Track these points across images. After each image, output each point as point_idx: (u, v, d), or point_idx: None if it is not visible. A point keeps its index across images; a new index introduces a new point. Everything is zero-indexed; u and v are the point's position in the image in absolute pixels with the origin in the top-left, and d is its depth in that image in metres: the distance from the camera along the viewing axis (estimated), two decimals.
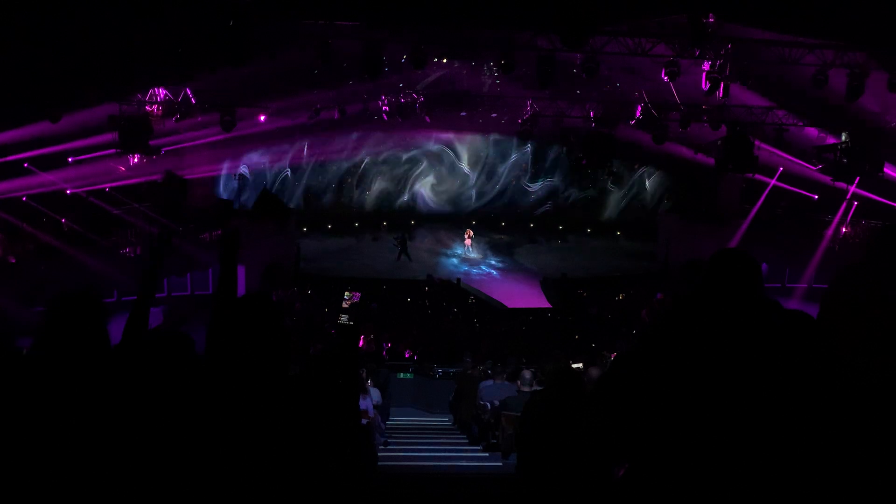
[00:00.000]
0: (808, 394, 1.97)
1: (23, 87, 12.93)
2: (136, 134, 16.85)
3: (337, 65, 15.06)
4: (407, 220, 29.96)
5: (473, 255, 27.39)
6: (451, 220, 31.39)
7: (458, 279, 22.89)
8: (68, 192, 18.89)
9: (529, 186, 31.63)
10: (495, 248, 28.92)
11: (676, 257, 23.62)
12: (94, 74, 13.37)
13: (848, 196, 20.53)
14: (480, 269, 25.89)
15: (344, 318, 3.55)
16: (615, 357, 2.61)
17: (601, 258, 27.14)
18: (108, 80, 14.29)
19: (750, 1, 11.80)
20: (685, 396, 2.05)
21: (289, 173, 28.72)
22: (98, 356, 2.50)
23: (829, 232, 21.51)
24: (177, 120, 18.53)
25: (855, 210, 21.17)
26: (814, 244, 21.33)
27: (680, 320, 2.21)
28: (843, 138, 18.16)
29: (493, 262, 27.07)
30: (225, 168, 25.22)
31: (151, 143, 17.76)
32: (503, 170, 31.57)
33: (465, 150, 30.92)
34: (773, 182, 22.65)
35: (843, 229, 21.61)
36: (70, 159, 18.37)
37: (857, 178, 19.06)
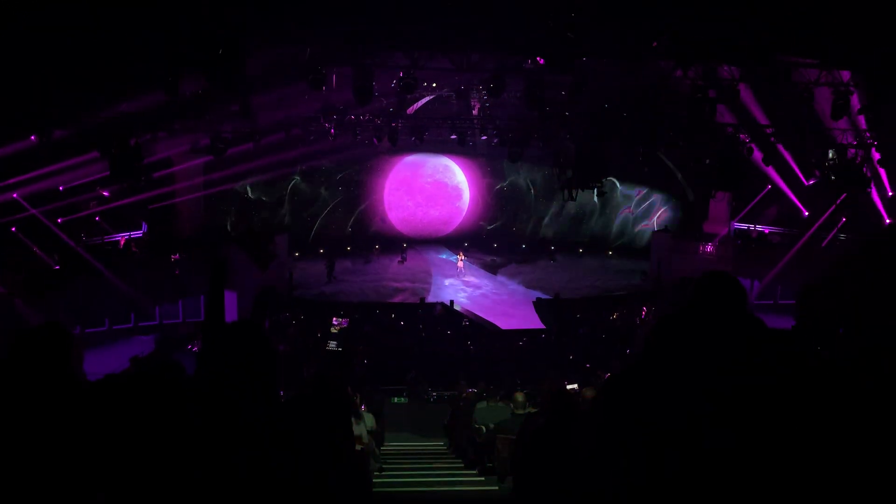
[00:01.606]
0: (796, 409, 1.98)
1: (8, 102, 12.92)
2: (126, 162, 16.83)
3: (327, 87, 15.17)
4: (399, 242, 30.05)
5: (466, 276, 27.40)
6: (442, 241, 31.51)
7: (451, 301, 22.86)
8: (59, 220, 18.86)
9: (522, 206, 31.85)
10: (487, 270, 28.96)
11: (669, 276, 23.73)
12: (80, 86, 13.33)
13: (830, 210, 20.75)
14: (473, 290, 25.86)
15: (333, 345, 3.56)
16: (608, 377, 2.61)
17: (594, 278, 27.20)
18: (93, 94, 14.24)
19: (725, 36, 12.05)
20: (678, 416, 2.05)
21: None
22: (62, 386, 2.49)
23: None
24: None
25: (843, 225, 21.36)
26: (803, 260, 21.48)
27: (669, 340, 2.22)
28: (831, 155, 18.33)
29: (485, 284, 27.06)
30: None
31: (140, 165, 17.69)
32: (495, 191, 31.81)
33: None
34: (757, 198, 22.88)
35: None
36: (61, 188, 18.34)
37: (844, 194, 19.28)
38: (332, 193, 30.03)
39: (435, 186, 31.44)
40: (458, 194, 31.65)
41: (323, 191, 29.82)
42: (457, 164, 31.23)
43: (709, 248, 23.92)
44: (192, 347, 16.85)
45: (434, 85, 20.13)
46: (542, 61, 13.16)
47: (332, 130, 21.00)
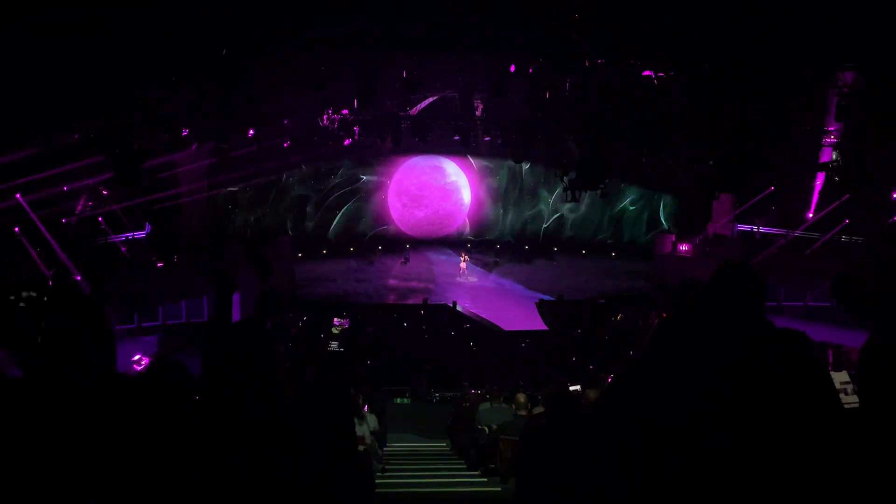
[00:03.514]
0: (796, 409, 1.98)
1: (14, 108, 12.93)
2: (130, 163, 16.80)
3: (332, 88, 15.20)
4: (402, 243, 30.10)
5: (469, 277, 27.39)
6: (445, 242, 31.51)
7: (454, 302, 22.85)
8: (63, 221, 18.86)
9: (524, 208, 31.81)
10: (490, 270, 28.95)
11: (671, 277, 23.70)
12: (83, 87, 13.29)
13: (826, 210, 20.66)
14: (476, 291, 25.85)
15: (334, 345, 3.54)
16: (611, 379, 2.62)
17: (596, 279, 27.18)
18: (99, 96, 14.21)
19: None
20: (678, 416, 2.05)
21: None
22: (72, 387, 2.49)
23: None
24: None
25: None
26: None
27: (670, 340, 2.21)
28: (834, 156, 18.31)
29: (488, 285, 27.05)
30: None
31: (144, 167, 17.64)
32: (498, 192, 31.78)
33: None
34: (756, 199, 22.79)
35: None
36: (65, 188, 18.34)
37: (846, 195, 19.22)
38: (335, 194, 30.06)
39: (437, 187, 31.45)
40: (460, 195, 31.65)
41: (326, 192, 29.84)
42: (459, 165, 31.22)
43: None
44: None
45: (437, 85, 20.13)
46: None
47: (336, 131, 21.03)
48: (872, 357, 2.03)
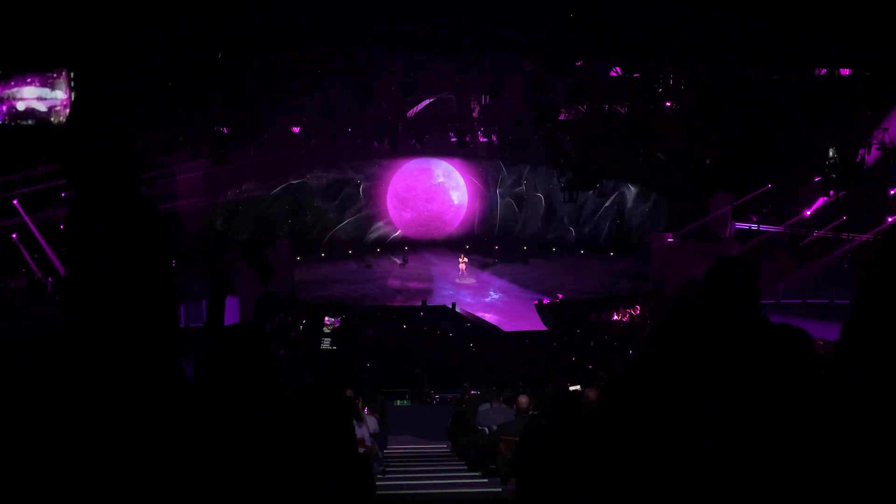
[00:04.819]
0: (796, 409, 1.98)
1: None
2: (128, 168, 16.73)
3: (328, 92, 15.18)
4: (400, 245, 30.08)
5: (468, 279, 27.38)
6: (444, 244, 31.49)
7: (453, 304, 22.85)
8: (62, 227, 18.83)
9: (522, 208, 31.80)
10: (488, 271, 28.94)
11: (670, 277, 23.69)
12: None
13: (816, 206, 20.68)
14: (474, 292, 25.84)
15: (326, 343, 3.55)
16: (608, 379, 2.63)
17: (595, 278, 27.17)
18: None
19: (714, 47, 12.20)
20: (678, 416, 2.05)
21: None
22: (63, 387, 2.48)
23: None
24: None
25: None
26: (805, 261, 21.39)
27: (669, 339, 2.21)
28: (831, 154, 18.29)
29: (487, 286, 27.05)
30: None
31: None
32: (495, 193, 31.77)
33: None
34: (750, 195, 22.83)
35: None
36: (63, 194, 18.31)
37: (842, 192, 19.23)
38: (333, 197, 30.05)
39: (435, 189, 31.42)
40: (458, 197, 31.62)
41: (323, 195, 29.82)
42: (456, 166, 31.21)
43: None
44: None
45: (434, 86, 20.13)
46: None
47: (332, 134, 20.99)
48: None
